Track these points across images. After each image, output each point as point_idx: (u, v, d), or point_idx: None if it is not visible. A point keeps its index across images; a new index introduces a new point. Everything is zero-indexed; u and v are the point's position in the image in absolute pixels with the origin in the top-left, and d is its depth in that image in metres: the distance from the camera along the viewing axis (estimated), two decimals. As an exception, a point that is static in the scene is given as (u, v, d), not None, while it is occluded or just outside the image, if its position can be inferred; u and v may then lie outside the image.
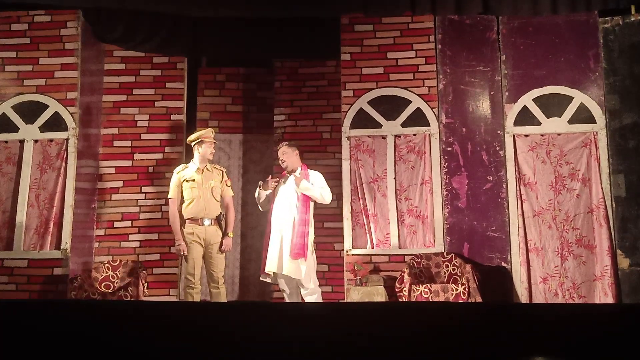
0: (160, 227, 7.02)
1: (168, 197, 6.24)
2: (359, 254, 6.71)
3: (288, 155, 6.16)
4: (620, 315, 3.11)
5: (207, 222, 6.04)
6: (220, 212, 6.16)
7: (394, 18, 7.00)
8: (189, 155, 6.69)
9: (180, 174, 6.20)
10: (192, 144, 6.30)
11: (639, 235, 6.34)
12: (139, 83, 7.46)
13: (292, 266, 5.84)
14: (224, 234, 6.15)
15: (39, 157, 6.82)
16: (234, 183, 7.50)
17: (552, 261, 6.51)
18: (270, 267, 5.91)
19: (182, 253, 6.00)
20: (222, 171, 6.34)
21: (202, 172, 6.16)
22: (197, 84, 7.94)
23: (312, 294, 5.93)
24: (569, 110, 6.70)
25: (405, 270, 6.36)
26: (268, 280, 6.09)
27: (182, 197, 6.13)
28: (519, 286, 6.47)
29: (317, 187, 6.06)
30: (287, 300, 6.03)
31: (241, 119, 7.94)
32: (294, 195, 6.03)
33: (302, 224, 5.92)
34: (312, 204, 6.08)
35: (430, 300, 6.00)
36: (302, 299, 5.98)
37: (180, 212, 6.11)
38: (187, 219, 6.06)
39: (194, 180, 6.11)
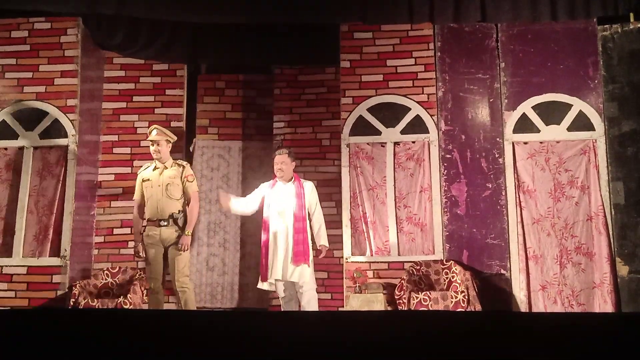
0: (159, 234, 6.97)
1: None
2: (358, 261, 6.71)
3: (287, 165, 6.09)
4: (620, 324, 3.11)
5: (163, 222, 5.87)
6: (179, 211, 5.95)
7: (394, 26, 7.02)
8: (188, 162, 6.65)
9: (141, 173, 6.15)
10: None
11: (638, 242, 6.34)
12: (138, 90, 7.47)
13: (296, 272, 5.85)
14: (182, 233, 5.92)
15: (38, 164, 6.82)
16: (233, 190, 7.48)
17: (551, 269, 6.50)
18: (276, 274, 5.90)
19: (138, 255, 5.96)
20: (183, 166, 6.13)
21: (161, 172, 6.02)
22: (197, 90, 7.95)
23: (310, 290, 5.95)
24: (568, 117, 6.71)
25: (405, 277, 6.36)
26: (268, 288, 6.07)
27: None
28: (518, 293, 6.47)
29: (320, 219, 6.08)
30: (283, 306, 6.03)
31: (240, 126, 7.94)
32: (291, 204, 6.00)
33: (299, 232, 5.91)
34: (307, 212, 6.09)
35: (430, 307, 5.99)
36: (299, 302, 5.98)
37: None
38: (147, 220, 5.99)
39: (149, 179, 6.02)
